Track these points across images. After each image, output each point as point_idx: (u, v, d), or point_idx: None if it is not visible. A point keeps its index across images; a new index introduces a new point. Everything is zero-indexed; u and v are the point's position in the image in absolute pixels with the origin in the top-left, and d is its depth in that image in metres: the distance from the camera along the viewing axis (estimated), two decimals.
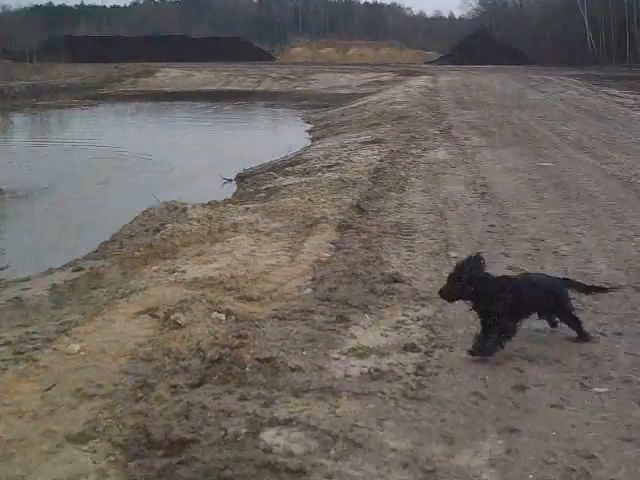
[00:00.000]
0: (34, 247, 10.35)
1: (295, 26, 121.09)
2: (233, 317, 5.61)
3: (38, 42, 71.75)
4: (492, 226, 8.94)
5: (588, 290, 5.70)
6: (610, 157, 14.47)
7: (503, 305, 4.94)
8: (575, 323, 5.37)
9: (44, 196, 13.94)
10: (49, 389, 4.60)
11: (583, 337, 5.34)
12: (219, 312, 5.63)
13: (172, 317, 5.49)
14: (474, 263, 4.99)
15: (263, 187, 12.58)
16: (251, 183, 13.92)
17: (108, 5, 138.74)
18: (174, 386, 4.60)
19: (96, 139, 22.99)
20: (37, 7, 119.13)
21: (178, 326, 5.37)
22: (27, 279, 8.31)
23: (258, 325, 5.48)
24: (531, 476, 3.73)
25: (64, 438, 4.04)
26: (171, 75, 62.42)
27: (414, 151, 15.28)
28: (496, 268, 7.10)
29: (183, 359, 4.94)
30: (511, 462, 3.85)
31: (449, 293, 5.06)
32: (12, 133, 27.22)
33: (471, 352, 4.95)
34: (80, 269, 8.31)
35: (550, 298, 5.29)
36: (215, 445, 3.96)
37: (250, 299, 6.17)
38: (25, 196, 13.70)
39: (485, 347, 4.91)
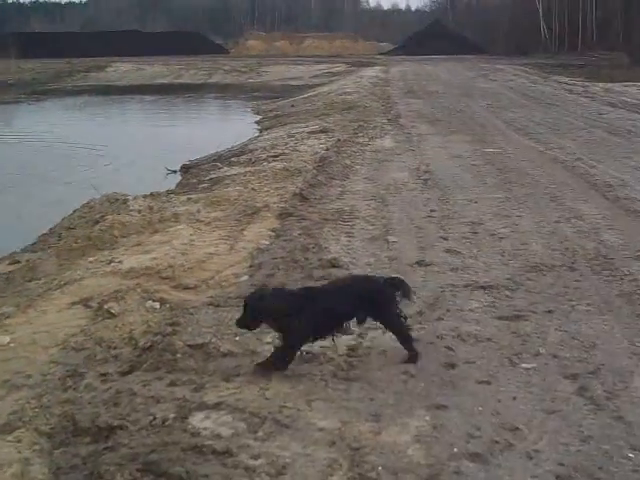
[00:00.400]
0: None
1: (251, 19, 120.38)
2: (167, 305, 5.60)
3: None
4: (433, 211, 8.99)
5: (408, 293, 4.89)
6: (554, 142, 14.64)
7: (291, 321, 4.51)
8: (400, 334, 4.80)
9: None
10: None
11: (411, 355, 4.75)
12: (153, 301, 5.62)
13: (106, 307, 5.46)
14: (259, 293, 4.70)
15: (207, 177, 12.52)
16: (195, 174, 13.83)
17: (63, 1, 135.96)
18: (104, 374, 4.58)
19: (40, 133, 22.63)
20: None
21: (111, 315, 5.34)
22: None
23: (192, 312, 5.48)
24: (456, 449, 3.78)
25: None
26: (122, 69, 61.77)
27: (361, 140, 15.30)
28: (435, 251, 7.23)
29: (115, 347, 4.93)
30: (436, 437, 3.90)
31: (241, 322, 4.62)
32: None
33: (259, 364, 4.64)
34: (16, 262, 8.19)
35: (363, 303, 4.72)
36: (143, 430, 3.95)
37: (186, 287, 6.16)
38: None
39: (276, 361, 4.59)
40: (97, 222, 8.94)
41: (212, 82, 50.29)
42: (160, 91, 42.51)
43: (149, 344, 4.87)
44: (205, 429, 3.96)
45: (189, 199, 10.19)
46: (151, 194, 10.67)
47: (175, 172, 15.02)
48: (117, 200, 9.94)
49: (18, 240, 9.53)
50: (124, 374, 4.59)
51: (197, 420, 4.05)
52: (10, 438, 3.94)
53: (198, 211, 9.22)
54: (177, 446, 3.79)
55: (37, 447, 3.87)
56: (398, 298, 4.79)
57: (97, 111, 32.55)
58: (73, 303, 5.70)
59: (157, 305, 5.56)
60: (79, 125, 26.01)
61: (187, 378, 4.50)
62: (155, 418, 4.06)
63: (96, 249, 7.83)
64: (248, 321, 4.54)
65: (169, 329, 5.08)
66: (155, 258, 6.90)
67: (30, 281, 7.25)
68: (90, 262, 6.93)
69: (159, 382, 4.46)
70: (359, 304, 4.71)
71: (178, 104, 35.57)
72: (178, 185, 13.04)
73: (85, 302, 5.67)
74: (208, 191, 10.89)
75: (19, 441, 3.92)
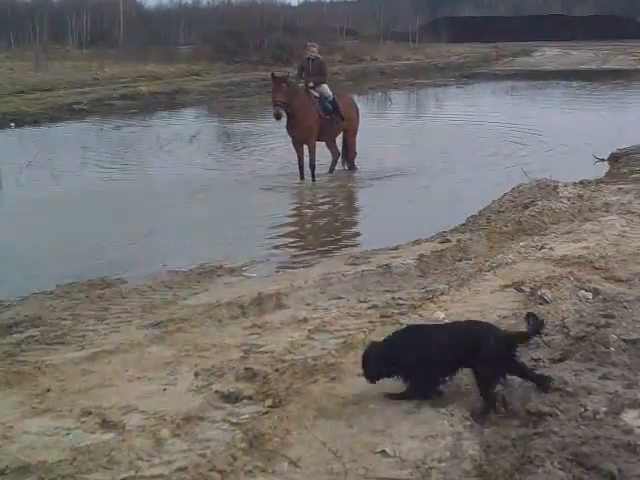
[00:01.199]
0: (403, 220, 10.81)
1: None
2: (600, 296, 5.47)
3: (420, 24, 74.52)
4: None
5: None
6: None
7: None
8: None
9: (427, 172, 14.42)
10: None
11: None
12: (586, 290, 5.53)
13: (539, 292, 5.49)
14: None
15: (638, 168, 11.95)
16: (625, 163, 13.28)
17: None
18: (535, 359, 4.62)
19: (472, 116, 23.36)
20: None
21: (544, 302, 5.36)
22: (396, 248, 8.78)
23: (626, 306, 5.27)
24: None
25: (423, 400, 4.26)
26: (548, 54, 61.23)
27: None
28: None
29: (546, 334, 4.93)
30: None
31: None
32: (390, 109, 28.60)
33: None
34: (447, 241, 8.57)
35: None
36: (573, 420, 3.92)
37: (619, 280, 5.96)
38: (414, 173, 14.22)
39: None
40: (527, 207, 9.02)
41: None
42: (586, 77, 41.26)
43: (582, 334, 4.81)
44: (639, 427, 3.82)
45: (619, 189, 9.84)
46: (581, 182, 10.49)
47: (603, 160, 14.55)
48: (547, 186, 9.94)
49: (446, 220, 9.97)
50: (555, 361, 4.59)
51: (630, 417, 3.92)
52: (444, 411, 4.16)
53: (630, 202, 8.88)
54: (609, 441, 3.69)
55: (468, 423, 4.04)
56: None
57: (523, 96, 32.56)
58: (505, 286, 5.83)
59: (590, 295, 5.47)
60: (508, 108, 26.25)
61: (620, 373, 4.37)
62: (586, 410, 4.00)
63: (525, 234, 7.91)
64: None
65: (602, 321, 4.95)
66: (586, 247, 6.79)
67: (460, 260, 7.56)
68: (521, 246, 7.01)
69: (591, 374, 4.38)
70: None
71: (606, 91, 34.17)
72: (607, 174, 12.63)
73: (517, 286, 5.76)
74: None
75: (452, 415, 4.12)
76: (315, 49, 14.30)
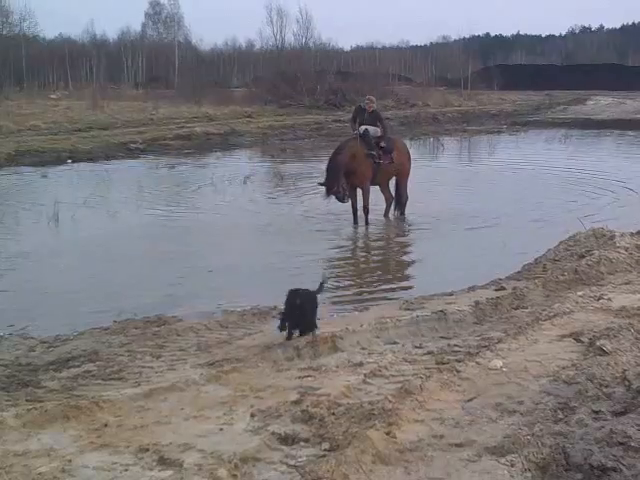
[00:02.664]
0: (459, 266, 10.81)
1: None
2: None
3: (472, 70, 74.83)
4: None
5: None
6: None
7: None
8: None
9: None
10: (470, 400, 4.85)
11: None
12: None
13: (598, 343, 5.43)
14: None
15: None
16: None
17: (544, 34, 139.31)
18: (596, 412, 4.55)
19: (526, 161, 23.44)
20: (474, 37, 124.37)
21: (603, 353, 5.29)
22: (451, 294, 8.76)
23: None
24: None
25: (483, 449, 4.23)
26: (602, 103, 60.82)
27: None
28: None
29: (607, 386, 4.86)
30: None
31: None
32: (443, 156, 28.64)
33: None
34: (502, 288, 8.52)
35: None
36: (638, 476, 3.85)
37: None
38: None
39: None
40: (583, 256, 8.94)
41: None
42: None
43: None
44: None
45: None
46: (638, 232, 10.37)
47: None
48: (604, 235, 9.84)
49: (502, 268, 9.95)
50: (617, 414, 4.52)
51: None
52: (504, 461, 4.12)
53: None
54: None
55: (529, 474, 3.99)
56: None
57: (577, 144, 32.36)
58: (563, 336, 5.78)
59: None
60: (559, 155, 26.17)
61: None
62: None
63: (582, 283, 7.85)
64: None
65: None
66: None
67: (516, 309, 7.52)
68: (579, 296, 6.95)
69: None
70: None
71: None
72: None
73: (575, 336, 5.71)
74: None
75: (512, 465, 4.08)
76: (374, 104, 14.42)
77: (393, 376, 5.63)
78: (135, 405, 5.34)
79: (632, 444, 4.11)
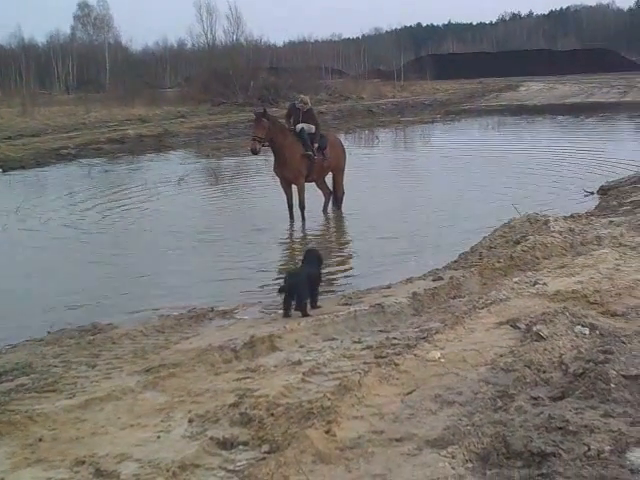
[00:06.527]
0: (388, 254, 10.84)
1: None
2: (597, 332, 5.42)
3: (405, 61, 75.42)
4: None
5: None
6: None
7: None
8: None
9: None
10: (409, 393, 4.80)
11: None
12: (582, 326, 5.47)
13: (534, 329, 5.43)
14: None
15: (628, 200, 12.02)
16: (615, 196, 13.36)
17: (474, 22, 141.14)
18: (535, 398, 4.54)
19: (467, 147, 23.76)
20: (406, 27, 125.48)
21: (540, 338, 5.30)
22: (389, 286, 8.74)
23: (624, 341, 5.20)
24: None
25: (423, 442, 4.18)
26: (534, 89, 61.90)
27: None
28: None
29: (544, 371, 4.87)
30: None
31: None
32: (378, 147, 28.80)
33: None
34: (440, 278, 8.54)
35: None
36: (577, 460, 3.83)
37: (614, 314, 5.91)
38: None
39: None
40: (518, 242, 9.00)
41: (626, 101, 47.89)
42: (572, 110, 41.66)
43: (580, 371, 4.73)
44: None
45: (611, 222, 9.85)
46: (571, 216, 10.51)
47: (592, 194, 14.63)
48: (538, 221, 9.93)
49: (438, 257, 10.00)
50: (555, 399, 4.52)
51: (636, 456, 3.83)
52: (444, 453, 4.08)
53: (621, 235, 8.87)
54: None
55: (470, 465, 3.95)
56: None
57: (510, 130, 32.82)
58: (500, 323, 5.77)
59: (586, 331, 5.40)
60: (495, 142, 26.52)
61: (622, 410, 4.28)
62: (589, 449, 3.91)
63: (518, 269, 7.89)
64: None
65: (601, 357, 4.87)
66: (580, 282, 6.74)
67: (454, 298, 7.53)
68: (515, 283, 6.97)
69: (592, 411, 4.30)
70: None
71: (591, 124, 34.45)
72: (597, 207, 12.68)
73: (512, 322, 5.71)
74: (631, 214, 10.45)
75: (453, 457, 4.04)
76: (308, 104, 14.31)
77: (332, 373, 5.56)
78: (71, 417, 5.18)
79: (570, 428, 4.11)
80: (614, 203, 12.42)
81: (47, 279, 10.62)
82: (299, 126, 13.80)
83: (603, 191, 14.48)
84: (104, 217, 15.06)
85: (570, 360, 4.94)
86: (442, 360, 5.24)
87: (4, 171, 23.06)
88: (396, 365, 5.23)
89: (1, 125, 33.18)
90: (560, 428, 4.12)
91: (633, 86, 56.80)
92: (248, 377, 5.75)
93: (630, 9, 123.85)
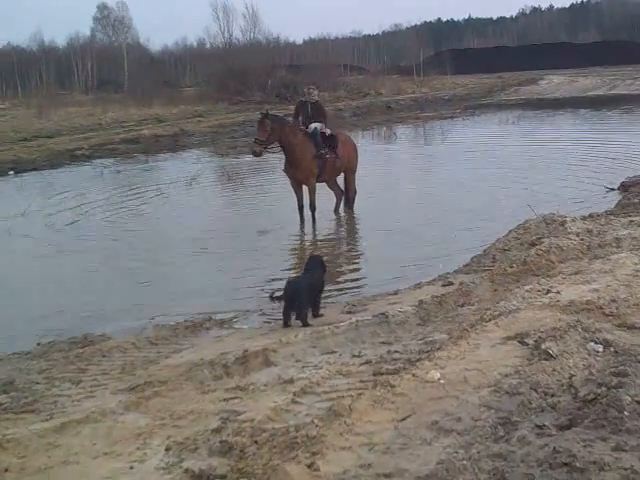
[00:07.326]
0: (399, 257, 10.43)
1: None
2: (612, 349, 4.91)
3: (425, 56, 74.85)
4: None
5: None
6: None
7: None
8: None
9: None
10: (404, 419, 4.37)
11: None
12: (596, 342, 4.98)
13: (543, 346, 4.95)
14: None
15: None
16: (636, 193, 12.78)
17: (494, 17, 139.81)
18: (540, 427, 4.07)
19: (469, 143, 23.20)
20: (426, 23, 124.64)
21: (549, 357, 4.82)
22: (395, 293, 8.34)
23: None
24: None
25: (414, 478, 3.75)
26: (555, 82, 61.04)
27: None
28: None
29: (552, 395, 4.38)
30: None
31: None
32: (397, 143, 28.37)
33: None
34: (450, 283, 8.11)
35: None
36: None
37: (632, 327, 5.39)
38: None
39: None
40: (533, 245, 8.53)
41: None
42: (594, 103, 40.88)
43: (591, 396, 4.26)
44: None
45: (631, 222, 9.34)
46: (590, 215, 10.01)
47: (613, 190, 14.09)
48: (554, 221, 9.43)
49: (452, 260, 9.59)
50: (562, 428, 4.04)
51: None
52: None
53: None
54: None
55: None
56: None
57: (529, 125, 32.17)
58: (507, 338, 5.30)
59: (600, 348, 4.91)
60: (513, 137, 26.00)
61: (635, 443, 3.79)
62: None
63: (531, 274, 7.44)
64: None
65: (614, 380, 4.37)
66: (596, 290, 6.24)
67: (462, 306, 7.09)
68: (526, 291, 6.49)
69: (602, 444, 3.82)
70: None
71: (614, 117, 33.69)
72: (617, 205, 12.15)
73: (520, 338, 5.24)
74: None
75: None
76: (316, 92, 13.91)
77: (325, 393, 5.16)
78: (44, 442, 4.83)
79: (577, 464, 3.65)
80: (636, 200, 11.88)
81: (45, 286, 10.33)
82: (312, 126, 13.37)
83: (625, 187, 13.92)
84: (109, 221, 14.70)
85: (580, 383, 4.46)
86: (442, 381, 4.77)
87: (16, 173, 22.85)
88: (392, 387, 4.78)
89: (18, 127, 33.11)
90: (566, 464, 3.66)
91: None
92: (236, 397, 5.38)
93: None
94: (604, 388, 4.30)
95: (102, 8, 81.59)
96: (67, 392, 6.09)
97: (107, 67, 75.65)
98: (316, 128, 13.34)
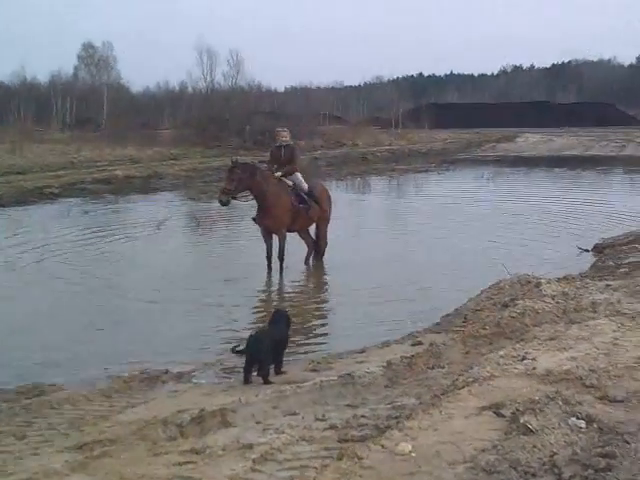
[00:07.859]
0: (367, 314, 10.10)
1: None
2: (595, 425, 4.56)
3: (405, 109, 75.53)
4: None
5: None
6: None
7: None
8: None
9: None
10: None
11: None
12: (578, 418, 4.63)
13: (522, 420, 4.59)
14: None
15: (625, 261, 11.32)
16: (611, 255, 12.62)
17: (476, 74, 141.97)
18: None
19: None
20: (408, 77, 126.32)
21: (528, 431, 4.46)
22: (362, 351, 8.02)
23: (627, 440, 4.33)
24: None
25: None
26: (531, 140, 61.75)
27: None
28: None
29: (533, 475, 4.00)
30: None
31: None
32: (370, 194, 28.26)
33: None
34: (419, 343, 7.79)
35: None
36: None
37: (614, 400, 5.05)
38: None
39: None
40: (507, 306, 8.24)
41: (625, 155, 47.53)
42: (569, 163, 41.24)
43: (578, 478, 3.89)
44: None
45: (607, 286, 9.11)
46: (565, 277, 9.75)
47: (587, 251, 13.90)
48: (529, 282, 9.16)
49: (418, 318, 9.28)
50: None
51: None
52: None
53: (619, 301, 8.14)
54: None
55: None
56: None
57: (504, 181, 32.24)
58: (482, 408, 4.94)
59: (582, 424, 4.55)
60: (490, 193, 26.01)
61: None
62: None
63: (505, 338, 7.14)
64: None
65: (602, 462, 4.00)
66: (574, 358, 5.92)
67: (432, 368, 6.77)
68: (501, 356, 6.14)
69: None
70: None
71: (589, 177, 33.89)
72: (592, 267, 11.94)
73: (496, 408, 4.88)
74: (628, 278, 9.72)
75: None
76: (286, 134, 13.60)
77: (287, 460, 4.76)
78: None
79: None
80: (610, 263, 11.68)
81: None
82: (290, 184, 13.11)
83: (599, 249, 13.75)
84: (69, 263, 14.15)
85: (564, 462, 4.09)
86: (413, 454, 4.39)
87: None
88: (360, 459, 4.39)
89: None
90: None
91: (631, 140, 56.63)
92: (191, 461, 4.96)
93: (631, 65, 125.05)
94: (591, 470, 3.95)
95: (87, 46, 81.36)
96: (10, 448, 5.68)
97: (86, 105, 75.22)
98: (295, 184, 13.12)
